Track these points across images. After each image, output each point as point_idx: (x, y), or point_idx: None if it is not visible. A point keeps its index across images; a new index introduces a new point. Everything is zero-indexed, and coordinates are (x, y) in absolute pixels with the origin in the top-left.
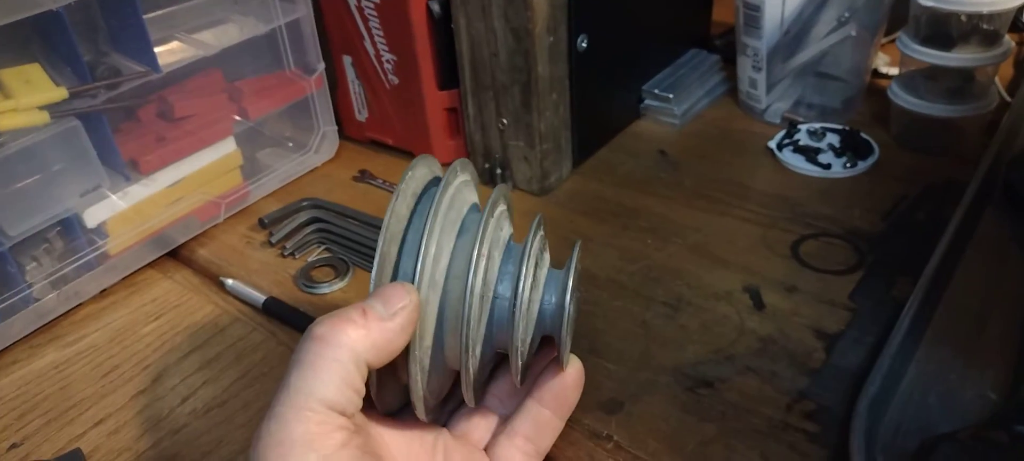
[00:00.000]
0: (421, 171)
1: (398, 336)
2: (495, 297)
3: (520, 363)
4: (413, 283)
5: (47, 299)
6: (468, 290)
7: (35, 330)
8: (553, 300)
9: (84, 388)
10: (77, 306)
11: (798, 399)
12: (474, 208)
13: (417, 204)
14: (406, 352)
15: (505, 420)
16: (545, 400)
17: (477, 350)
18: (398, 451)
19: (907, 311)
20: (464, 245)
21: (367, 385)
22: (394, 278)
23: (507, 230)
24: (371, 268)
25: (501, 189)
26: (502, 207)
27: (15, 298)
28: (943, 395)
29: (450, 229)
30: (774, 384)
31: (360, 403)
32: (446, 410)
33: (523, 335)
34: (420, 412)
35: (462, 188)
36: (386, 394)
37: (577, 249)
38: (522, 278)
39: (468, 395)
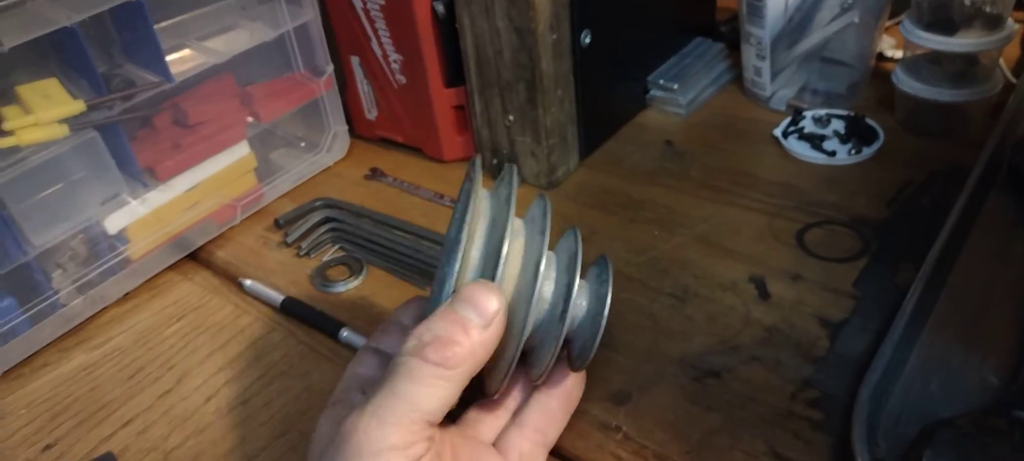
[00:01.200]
0: (479, 173)
1: (493, 345)
2: (546, 300)
3: (551, 363)
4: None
5: (73, 304)
6: (536, 291)
7: (63, 334)
8: (586, 308)
9: (112, 389)
10: (102, 310)
11: (802, 387)
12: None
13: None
14: None
15: (513, 414)
16: (554, 393)
17: (521, 347)
18: None
19: (910, 298)
20: (518, 248)
21: None
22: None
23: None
24: (381, 264)
25: (549, 203)
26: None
27: (43, 304)
28: (945, 381)
29: (518, 233)
30: (779, 373)
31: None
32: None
33: (561, 337)
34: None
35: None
36: None
37: (609, 263)
38: (574, 284)
39: (501, 385)
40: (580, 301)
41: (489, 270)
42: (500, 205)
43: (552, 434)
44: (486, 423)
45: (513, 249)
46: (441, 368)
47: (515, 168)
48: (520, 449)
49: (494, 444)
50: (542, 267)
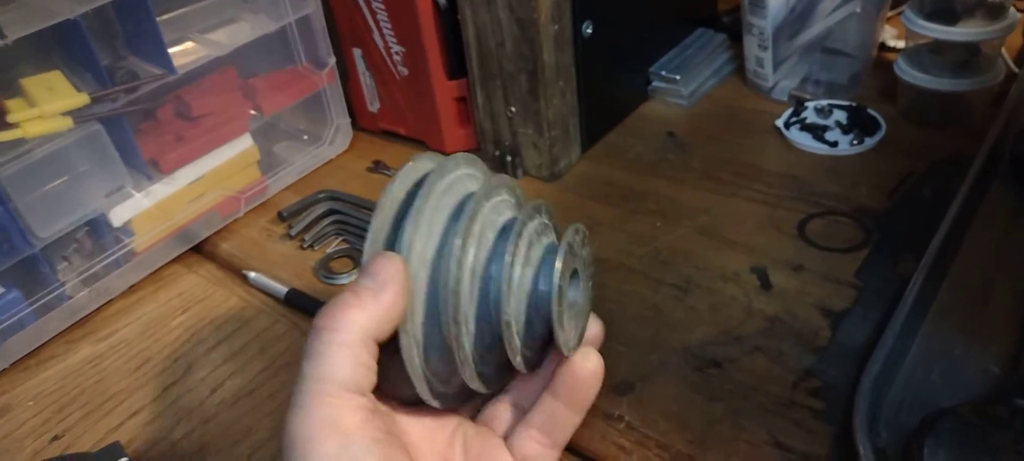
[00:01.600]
0: (424, 163)
1: (393, 306)
2: (488, 277)
3: (517, 343)
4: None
5: (79, 296)
6: (454, 261)
7: (69, 326)
8: (545, 279)
9: (119, 381)
10: (108, 302)
11: (804, 377)
12: (472, 197)
13: (416, 190)
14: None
15: (526, 413)
16: (559, 394)
17: (470, 326)
18: (419, 437)
19: (911, 288)
20: (457, 227)
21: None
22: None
23: (507, 216)
24: None
25: (503, 178)
26: (504, 196)
27: (50, 296)
28: (946, 370)
29: (444, 211)
30: (781, 363)
31: (374, 379)
32: (474, 403)
33: (515, 312)
34: (422, 392)
35: (464, 179)
36: (393, 382)
37: (571, 230)
38: (508, 252)
39: (467, 373)
40: (543, 277)
41: (399, 244)
42: (427, 185)
43: (560, 436)
44: (499, 419)
45: (434, 223)
46: (330, 332)
47: (464, 158)
48: (525, 451)
49: (506, 440)
50: (460, 239)
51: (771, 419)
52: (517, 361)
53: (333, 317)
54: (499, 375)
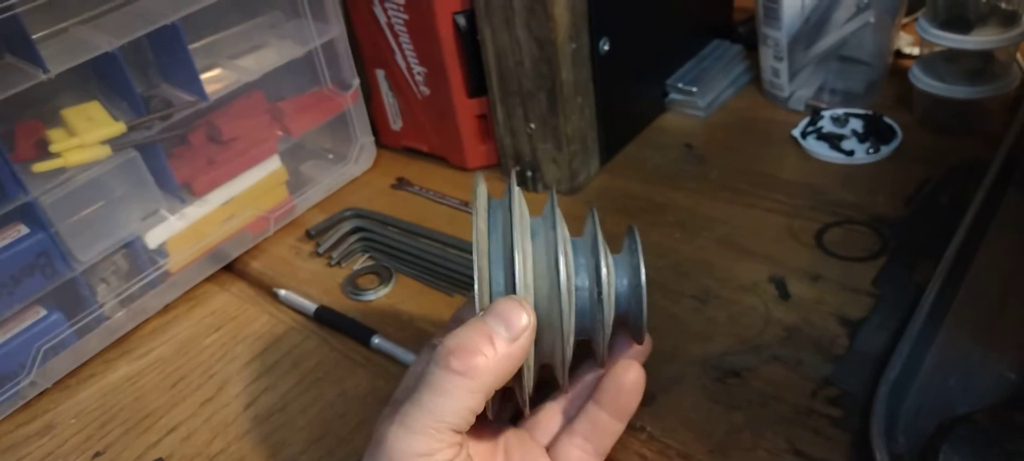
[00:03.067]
0: (483, 188)
1: (522, 357)
2: (576, 289)
3: (604, 344)
4: (516, 292)
5: (117, 317)
6: (562, 284)
7: (108, 346)
8: (626, 282)
9: (156, 398)
10: (144, 321)
11: (822, 385)
12: (539, 221)
13: (489, 218)
14: None
15: (570, 421)
16: (603, 402)
17: (571, 339)
18: (476, 451)
19: (927, 295)
20: (539, 247)
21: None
22: (492, 290)
23: (567, 229)
24: (409, 272)
25: (554, 195)
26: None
27: (89, 318)
28: (963, 377)
29: (526, 235)
30: (799, 372)
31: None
32: (510, 408)
33: (609, 317)
34: (527, 410)
35: (521, 197)
36: (497, 405)
37: (636, 232)
38: (601, 265)
39: (564, 380)
40: (620, 279)
41: (509, 280)
42: (505, 214)
43: (603, 444)
44: (541, 427)
45: (527, 253)
46: (463, 378)
47: (513, 173)
48: (569, 457)
49: (549, 449)
50: (561, 261)
51: (790, 427)
52: (603, 359)
53: (469, 364)
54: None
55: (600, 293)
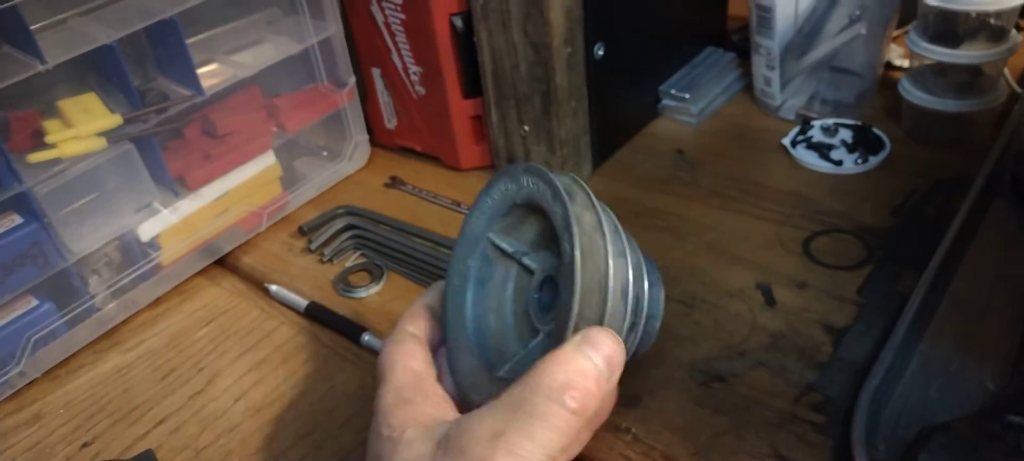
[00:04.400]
0: (584, 194)
1: (613, 399)
2: (630, 327)
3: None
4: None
5: (108, 308)
6: (628, 316)
7: (98, 337)
8: (661, 298)
9: (145, 390)
10: (135, 314)
11: (806, 391)
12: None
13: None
14: None
15: None
16: None
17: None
18: None
19: (911, 305)
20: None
21: None
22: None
23: (639, 249)
24: (401, 270)
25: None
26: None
27: (80, 309)
28: (944, 386)
29: (618, 259)
30: (784, 377)
31: None
32: None
33: (632, 346)
34: None
35: (607, 212)
36: None
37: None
38: (645, 296)
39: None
40: (656, 295)
41: (598, 305)
42: (595, 231)
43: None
44: None
45: (619, 280)
46: (577, 417)
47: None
48: None
49: None
50: (630, 292)
51: (773, 432)
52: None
53: (585, 404)
54: None
55: (636, 324)
